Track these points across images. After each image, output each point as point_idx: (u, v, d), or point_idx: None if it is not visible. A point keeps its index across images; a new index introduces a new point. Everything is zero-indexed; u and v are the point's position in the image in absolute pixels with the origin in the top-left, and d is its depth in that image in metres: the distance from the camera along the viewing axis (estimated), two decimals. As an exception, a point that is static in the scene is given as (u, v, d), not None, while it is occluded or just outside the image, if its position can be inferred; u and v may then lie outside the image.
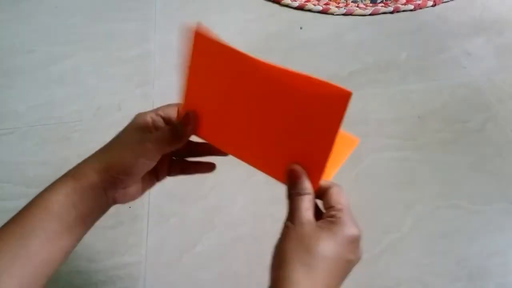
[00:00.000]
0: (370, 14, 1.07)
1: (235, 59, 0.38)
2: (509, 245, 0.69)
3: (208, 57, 0.39)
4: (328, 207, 0.38)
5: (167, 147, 0.42)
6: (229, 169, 0.77)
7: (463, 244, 0.69)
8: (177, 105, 0.45)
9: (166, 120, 0.44)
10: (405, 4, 1.08)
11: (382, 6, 1.08)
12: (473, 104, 0.87)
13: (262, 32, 1.05)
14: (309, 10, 1.09)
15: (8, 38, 1.06)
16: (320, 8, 1.08)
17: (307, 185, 0.38)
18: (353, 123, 0.84)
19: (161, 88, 0.93)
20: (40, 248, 0.37)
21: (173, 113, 0.44)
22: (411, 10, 1.07)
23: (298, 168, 0.39)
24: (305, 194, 0.38)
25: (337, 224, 0.37)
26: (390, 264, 0.67)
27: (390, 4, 1.08)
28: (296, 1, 1.10)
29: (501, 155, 0.79)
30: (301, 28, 1.06)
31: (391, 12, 1.07)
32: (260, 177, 0.77)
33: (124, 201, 0.43)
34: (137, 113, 0.44)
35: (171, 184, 0.72)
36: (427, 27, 1.04)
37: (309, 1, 1.10)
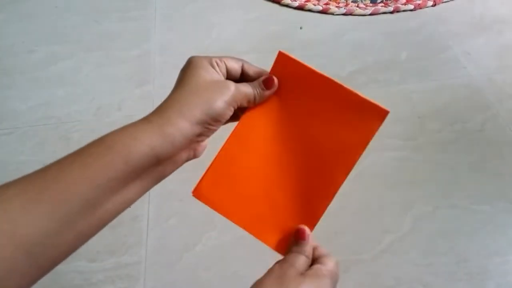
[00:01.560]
0: (370, 14, 1.07)
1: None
2: (510, 245, 0.69)
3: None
4: (316, 258, 0.39)
5: (247, 101, 0.38)
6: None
7: (463, 244, 0.69)
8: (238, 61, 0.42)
9: (233, 72, 0.41)
10: (405, 4, 1.08)
11: (382, 6, 1.08)
12: (473, 104, 0.87)
13: (262, 32, 1.05)
14: (309, 10, 1.09)
15: (8, 38, 1.06)
16: (320, 8, 1.08)
17: (309, 249, 0.39)
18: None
19: (161, 87, 0.93)
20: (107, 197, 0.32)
21: (236, 68, 0.41)
22: (411, 10, 1.07)
23: (306, 229, 0.39)
24: (304, 255, 0.38)
25: (322, 278, 0.36)
26: (390, 264, 0.67)
27: (390, 4, 1.08)
28: (296, 1, 1.10)
29: (501, 155, 0.79)
30: (301, 28, 1.06)
31: (391, 12, 1.07)
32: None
33: (198, 155, 0.39)
34: (191, 56, 0.41)
35: (171, 183, 0.71)
36: (427, 27, 1.04)
37: (309, 1, 1.10)
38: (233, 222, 0.42)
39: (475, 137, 0.82)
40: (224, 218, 0.72)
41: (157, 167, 0.34)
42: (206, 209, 0.74)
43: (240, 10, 1.11)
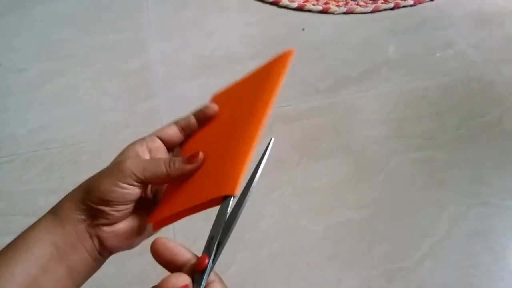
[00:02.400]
0: (371, 12, 1.06)
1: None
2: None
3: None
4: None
5: (151, 177, 0.35)
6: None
7: (501, 242, 0.68)
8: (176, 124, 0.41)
9: (166, 142, 0.40)
10: (404, -1, 1.07)
11: (382, 3, 1.07)
12: (487, 98, 0.87)
13: (263, 35, 1.02)
14: (309, 11, 1.07)
15: (-6, 57, 0.99)
16: (320, 8, 1.06)
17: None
18: (372, 124, 0.83)
19: (168, 100, 0.89)
20: None
21: (173, 135, 0.40)
22: (411, 6, 1.07)
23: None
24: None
25: None
26: (433, 269, 0.65)
27: (390, 1, 1.07)
28: (294, 1, 1.08)
29: (522, 147, 0.79)
30: (303, 29, 1.03)
31: (392, 9, 1.06)
32: (285, 189, 0.75)
33: (116, 245, 0.35)
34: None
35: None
36: (429, 22, 1.03)
37: (308, 1, 1.08)
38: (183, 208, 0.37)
39: (494, 131, 0.82)
40: (255, 235, 0.70)
41: (60, 260, 0.34)
42: (235, 227, 0.71)
43: (238, 14, 1.08)
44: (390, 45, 0.98)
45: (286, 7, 1.08)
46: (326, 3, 1.07)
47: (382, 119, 0.84)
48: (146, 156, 0.37)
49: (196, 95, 0.88)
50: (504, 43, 0.98)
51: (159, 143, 0.39)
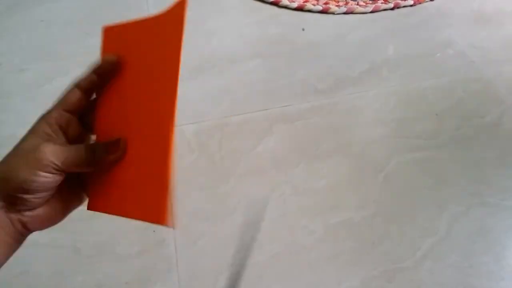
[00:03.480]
0: (371, 12, 1.06)
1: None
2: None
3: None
4: None
5: (72, 166, 0.34)
6: (251, 182, 0.74)
7: (500, 241, 0.68)
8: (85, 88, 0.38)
9: (73, 112, 0.37)
10: (404, -1, 1.07)
11: (382, 3, 1.07)
12: (487, 98, 0.87)
13: (263, 35, 1.02)
14: (309, 11, 1.07)
15: (-6, 57, 0.99)
16: (320, 8, 1.06)
17: None
18: (372, 124, 0.83)
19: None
20: None
21: (77, 101, 0.37)
22: (411, 6, 1.07)
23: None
24: None
25: None
26: (433, 270, 0.65)
27: (390, 1, 1.07)
28: (294, 1, 1.08)
29: (522, 147, 0.79)
30: (303, 29, 1.03)
31: (392, 9, 1.06)
32: (285, 189, 0.75)
33: (39, 226, 0.35)
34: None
35: (194, 202, 0.68)
36: (429, 22, 1.03)
37: (308, 1, 1.08)
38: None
39: (493, 131, 0.82)
40: (255, 235, 0.70)
41: None
42: (235, 226, 0.71)
43: (238, 15, 1.08)
44: (390, 45, 0.98)
45: (286, 7, 1.08)
46: (326, 3, 1.07)
47: (382, 119, 0.84)
48: (60, 137, 0.36)
49: (196, 95, 0.88)
50: (504, 43, 0.98)
51: (67, 116, 0.37)
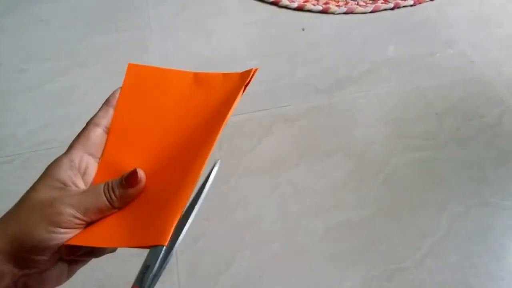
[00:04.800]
0: (371, 12, 1.06)
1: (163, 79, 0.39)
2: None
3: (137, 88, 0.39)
4: None
5: (95, 214, 0.30)
6: (251, 182, 0.74)
7: (500, 241, 0.68)
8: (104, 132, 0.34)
9: (93, 154, 0.34)
10: (404, -1, 1.07)
11: (382, 3, 1.07)
12: (487, 98, 0.87)
13: (264, 35, 1.02)
14: (309, 11, 1.07)
15: (-6, 57, 0.99)
16: (320, 8, 1.06)
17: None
18: (372, 124, 0.83)
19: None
20: None
21: (100, 142, 0.34)
22: (411, 6, 1.07)
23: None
24: None
25: None
26: (433, 269, 0.65)
27: (390, 1, 1.07)
28: (294, 1, 1.08)
29: (522, 147, 0.79)
30: (303, 29, 1.03)
31: (392, 9, 1.06)
32: (285, 189, 0.75)
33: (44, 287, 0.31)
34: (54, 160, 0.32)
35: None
36: (429, 22, 1.03)
37: (308, 1, 1.08)
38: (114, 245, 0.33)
39: (493, 131, 0.82)
40: (255, 235, 0.70)
41: None
42: (235, 226, 0.71)
43: (238, 14, 1.08)
44: (390, 45, 0.99)
45: (286, 7, 1.08)
46: (326, 3, 1.07)
47: (382, 119, 0.84)
48: (80, 183, 0.31)
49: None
50: (503, 43, 0.98)
51: (88, 159, 0.33)
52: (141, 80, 0.39)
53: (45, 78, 0.93)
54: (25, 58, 0.98)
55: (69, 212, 0.29)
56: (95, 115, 0.35)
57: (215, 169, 0.33)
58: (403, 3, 1.06)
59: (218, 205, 0.73)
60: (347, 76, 0.92)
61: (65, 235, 0.29)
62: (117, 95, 0.37)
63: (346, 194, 0.74)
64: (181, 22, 1.06)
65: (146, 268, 0.29)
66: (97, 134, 0.34)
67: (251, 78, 0.37)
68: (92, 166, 0.33)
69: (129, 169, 0.32)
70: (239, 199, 0.74)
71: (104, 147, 0.34)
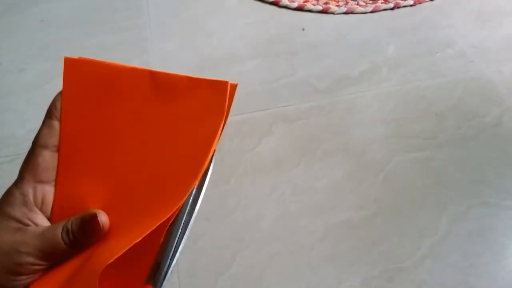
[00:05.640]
0: (371, 12, 1.06)
1: (109, 75, 0.32)
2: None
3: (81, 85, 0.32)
4: None
5: (55, 258, 0.29)
6: (251, 182, 0.74)
7: (501, 242, 0.68)
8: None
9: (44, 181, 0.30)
10: (404, -1, 1.07)
11: (382, 3, 1.06)
12: (487, 98, 0.87)
13: (264, 35, 1.02)
14: (309, 11, 1.07)
15: (-6, 57, 0.99)
16: (320, 8, 1.06)
17: None
18: (372, 124, 0.83)
19: (168, 101, 0.88)
20: None
21: (51, 166, 0.30)
22: (411, 6, 1.07)
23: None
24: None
25: None
26: (433, 270, 0.65)
27: (390, 1, 1.07)
28: (294, 1, 1.08)
29: (522, 147, 0.79)
30: (303, 29, 1.03)
31: (392, 9, 1.06)
32: (285, 189, 0.75)
33: None
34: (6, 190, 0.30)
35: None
36: (429, 22, 1.03)
37: (308, 1, 1.08)
38: None
39: (494, 131, 0.82)
40: (255, 235, 0.70)
41: None
42: (234, 226, 0.71)
43: (237, 14, 1.08)
44: (390, 45, 0.98)
45: (286, 7, 1.08)
46: (326, 3, 1.07)
47: (382, 119, 0.84)
48: (38, 218, 0.29)
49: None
50: (504, 43, 0.97)
51: (41, 188, 0.30)
52: (84, 80, 0.32)
53: (45, 77, 0.93)
54: (25, 58, 0.98)
55: (28, 261, 0.27)
56: (39, 133, 0.31)
57: (210, 169, 0.31)
58: (403, 3, 1.06)
59: (218, 205, 0.73)
60: (347, 76, 0.92)
61: (28, 280, 0.28)
62: (58, 104, 0.32)
63: (346, 194, 0.74)
64: (181, 22, 1.06)
65: (157, 265, 0.28)
66: (46, 158, 0.30)
67: (231, 98, 0.31)
68: (48, 193, 0.30)
69: (89, 197, 0.30)
70: (239, 199, 0.74)
71: (57, 171, 0.31)
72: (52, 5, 1.11)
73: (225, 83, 0.30)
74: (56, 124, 0.31)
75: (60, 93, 0.32)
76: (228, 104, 0.31)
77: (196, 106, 0.30)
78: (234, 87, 0.31)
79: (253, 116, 0.85)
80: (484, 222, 0.70)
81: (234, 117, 0.85)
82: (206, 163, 0.29)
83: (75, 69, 0.33)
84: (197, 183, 0.29)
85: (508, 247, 0.68)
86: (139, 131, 0.31)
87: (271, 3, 1.08)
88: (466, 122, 0.83)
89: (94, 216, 0.29)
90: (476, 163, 0.78)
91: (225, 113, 0.31)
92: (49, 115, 0.32)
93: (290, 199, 0.73)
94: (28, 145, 0.87)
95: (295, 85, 0.90)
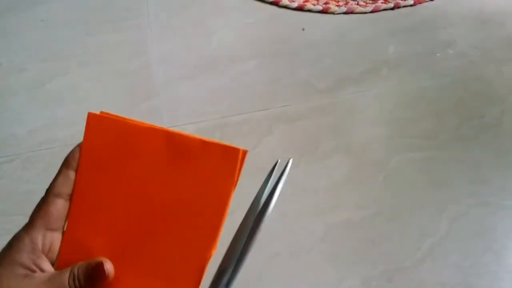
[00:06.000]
0: (371, 12, 1.06)
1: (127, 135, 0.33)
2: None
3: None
4: None
5: None
6: (251, 182, 0.74)
7: (501, 242, 0.68)
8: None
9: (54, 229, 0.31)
10: (404, -1, 1.07)
11: (382, 3, 1.07)
12: (487, 98, 0.87)
13: (264, 35, 1.02)
14: (309, 11, 1.07)
15: (-6, 57, 0.99)
16: (320, 7, 1.06)
17: None
18: (373, 124, 0.83)
19: (168, 101, 0.88)
20: None
21: (62, 214, 0.31)
22: (411, 5, 1.07)
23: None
24: None
25: None
26: (433, 269, 0.65)
27: (390, 1, 1.07)
28: (294, 1, 1.08)
29: (522, 147, 0.79)
30: (303, 29, 1.03)
31: (392, 9, 1.06)
32: (285, 189, 0.75)
33: None
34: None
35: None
36: (429, 22, 1.03)
37: (308, 1, 1.08)
38: None
39: (494, 131, 0.82)
40: (252, 236, 0.70)
41: None
42: (235, 226, 0.71)
43: (237, 14, 1.08)
44: (390, 45, 0.99)
45: (286, 7, 1.08)
46: (326, 3, 1.07)
47: (382, 119, 0.84)
48: (45, 265, 0.30)
49: (196, 95, 0.88)
50: (504, 43, 0.98)
51: (51, 235, 0.31)
52: (105, 136, 0.33)
53: (45, 78, 0.93)
54: (25, 58, 0.98)
55: None
56: (54, 182, 0.32)
57: (289, 166, 0.34)
58: (403, 3, 1.06)
59: (218, 205, 0.73)
60: (347, 76, 0.92)
61: None
62: (76, 155, 0.33)
63: (346, 194, 0.74)
64: (181, 22, 1.06)
65: (220, 274, 0.31)
66: (59, 207, 0.31)
67: (242, 162, 0.32)
68: (56, 241, 0.31)
69: (96, 248, 0.31)
70: (239, 199, 0.73)
71: (67, 219, 0.32)
72: (52, 5, 1.11)
73: (237, 150, 0.32)
74: (72, 174, 0.32)
75: (79, 145, 0.33)
76: (238, 169, 0.32)
77: (209, 170, 0.32)
78: (244, 153, 0.32)
79: (253, 116, 0.85)
80: (484, 222, 0.70)
81: (234, 117, 0.85)
82: (220, 228, 0.33)
83: (97, 124, 0.34)
84: (214, 251, 0.33)
85: (508, 247, 0.68)
86: (152, 191, 0.33)
87: (271, 3, 1.09)
88: (465, 122, 0.83)
89: (100, 264, 0.30)
90: (476, 163, 0.78)
91: (236, 178, 0.33)
92: (66, 165, 0.33)
93: (290, 199, 0.73)
94: (28, 145, 0.87)
95: (295, 85, 0.90)
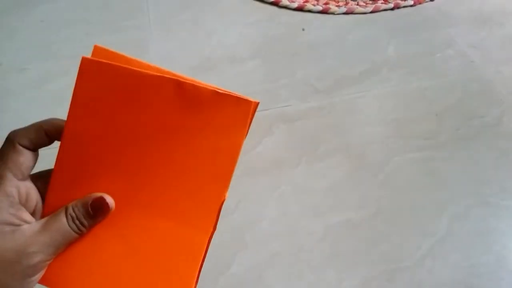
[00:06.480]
0: (371, 12, 1.06)
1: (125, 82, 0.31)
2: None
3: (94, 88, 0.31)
4: None
5: (64, 248, 0.29)
6: (251, 182, 0.74)
7: (500, 242, 0.68)
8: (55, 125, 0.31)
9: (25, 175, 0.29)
10: (404, -1, 1.07)
11: (382, 3, 1.07)
12: (487, 98, 0.87)
13: (263, 36, 1.02)
14: (309, 11, 1.07)
15: (-6, 57, 0.99)
16: (320, 8, 1.06)
17: None
18: (372, 124, 0.83)
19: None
20: None
21: (30, 163, 0.30)
22: (411, 6, 1.07)
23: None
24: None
25: None
26: (433, 269, 0.65)
27: (390, 1, 1.07)
28: (294, 2, 1.08)
29: (522, 147, 0.80)
30: (303, 29, 1.03)
31: (392, 9, 1.06)
32: (286, 189, 0.75)
33: None
34: None
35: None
36: (429, 22, 1.03)
37: (308, 1, 1.08)
38: None
39: (494, 131, 0.82)
40: (255, 235, 0.70)
41: None
42: (235, 226, 0.71)
43: (237, 14, 1.08)
44: (390, 45, 0.99)
45: (286, 7, 1.08)
46: (326, 3, 1.07)
47: (382, 119, 0.84)
48: (26, 216, 0.28)
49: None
50: (504, 43, 0.98)
51: (24, 185, 0.29)
52: (101, 83, 0.31)
53: (46, 77, 0.93)
54: (25, 58, 0.98)
55: (40, 259, 0.27)
56: (18, 131, 0.30)
57: None
58: (403, 3, 1.06)
59: (218, 205, 0.73)
60: (347, 76, 0.92)
61: (39, 276, 0.28)
62: (52, 121, 0.31)
63: (346, 194, 0.74)
64: (181, 22, 1.06)
65: None
66: (28, 155, 0.29)
67: (253, 114, 0.32)
68: (31, 189, 0.30)
69: (91, 188, 0.30)
70: (239, 199, 0.74)
71: (56, 162, 0.31)
72: (52, 5, 1.11)
73: (249, 102, 0.31)
74: (40, 128, 0.31)
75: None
76: (250, 120, 0.32)
77: (220, 120, 0.32)
78: (256, 104, 0.32)
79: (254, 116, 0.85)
80: (484, 222, 0.70)
81: (234, 117, 0.85)
82: (231, 176, 0.32)
83: (92, 70, 0.31)
84: (226, 196, 0.32)
85: (508, 247, 0.68)
86: (157, 137, 0.31)
87: (271, 3, 1.09)
88: (465, 123, 0.83)
89: (102, 199, 0.29)
90: (476, 163, 0.78)
91: (247, 128, 0.32)
92: (39, 122, 0.32)
93: (290, 199, 0.73)
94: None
95: (295, 85, 0.91)
